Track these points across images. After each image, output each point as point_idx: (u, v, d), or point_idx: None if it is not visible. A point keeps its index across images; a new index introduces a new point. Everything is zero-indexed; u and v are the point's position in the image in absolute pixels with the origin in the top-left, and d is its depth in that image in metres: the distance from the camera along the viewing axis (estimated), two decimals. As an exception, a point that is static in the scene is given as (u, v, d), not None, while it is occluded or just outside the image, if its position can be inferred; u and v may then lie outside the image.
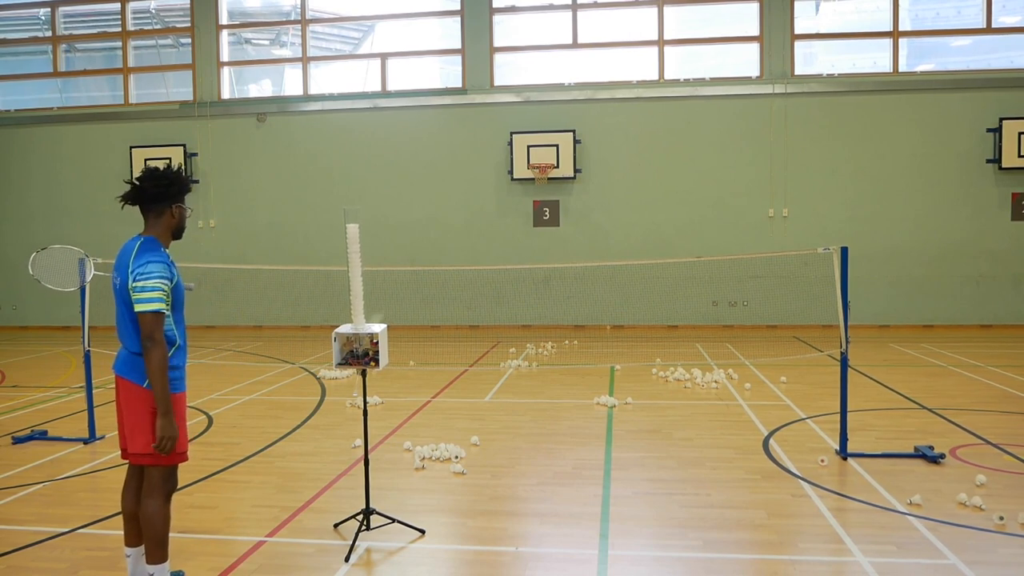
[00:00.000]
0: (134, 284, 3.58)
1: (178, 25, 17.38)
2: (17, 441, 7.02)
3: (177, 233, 3.92)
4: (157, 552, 3.73)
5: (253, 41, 17.89)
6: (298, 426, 7.54)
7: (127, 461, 3.84)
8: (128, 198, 3.82)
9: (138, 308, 3.56)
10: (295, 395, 9.11)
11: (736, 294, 15.16)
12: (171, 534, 3.86)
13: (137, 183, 3.78)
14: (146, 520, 3.72)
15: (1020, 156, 14.28)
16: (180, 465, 3.86)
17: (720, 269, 14.81)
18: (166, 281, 3.62)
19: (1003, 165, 14.38)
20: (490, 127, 15.75)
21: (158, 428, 3.59)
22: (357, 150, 16.23)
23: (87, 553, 4.49)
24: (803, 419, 7.52)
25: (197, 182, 16.61)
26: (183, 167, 3.95)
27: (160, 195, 3.77)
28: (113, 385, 3.86)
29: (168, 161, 3.99)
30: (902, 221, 14.84)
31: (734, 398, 8.56)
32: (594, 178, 15.56)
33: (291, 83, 17.31)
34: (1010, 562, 4.22)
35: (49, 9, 17.45)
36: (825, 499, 5.22)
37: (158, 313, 3.56)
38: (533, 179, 15.36)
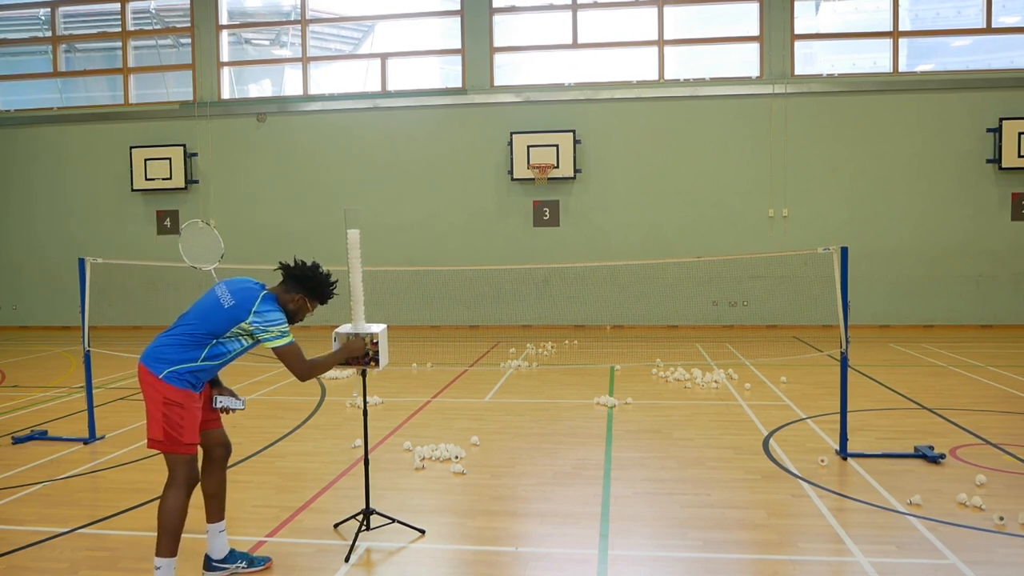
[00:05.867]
0: (263, 327, 3.91)
1: (178, 25, 17.39)
2: (17, 441, 7.01)
3: (289, 315, 4.13)
4: (168, 545, 3.82)
5: (253, 41, 17.89)
6: (298, 426, 7.54)
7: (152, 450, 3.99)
8: (283, 264, 4.20)
9: (276, 345, 3.94)
10: (295, 395, 9.11)
11: (736, 294, 15.16)
12: (171, 534, 3.87)
13: (294, 263, 4.17)
14: (162, 512, 3.83)
15: (1020, 156, 14.28)
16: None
17: (720, 269, 14.81)
18: (286, 323, 4.01)
19: (1003, 165, 14.38)
20: (490, 127, 15.75)
21: (343, 355, 4.29)
22: (357, 150, 16.24)
23: (87, 553, 4.49)
24: (803, 419, 7.52)
25: (197, 182, 16.64)
26: (336, 282, 4.27)
27: (299, 282, 4.13)
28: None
29: (308, 262, 4.30)
30: (902, 221, 14.85)
31: (734, 398, 8.56)
32: (594, 178, 15.56)
33: (291, 83, 17.31)
34: (1010, 562, 4.22)
35: (49, 9, 17.45)
36: (825, 499, 5.22)
37: (293, 345, 3.97)
38: (533, 179, 15.36)
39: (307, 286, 4.13)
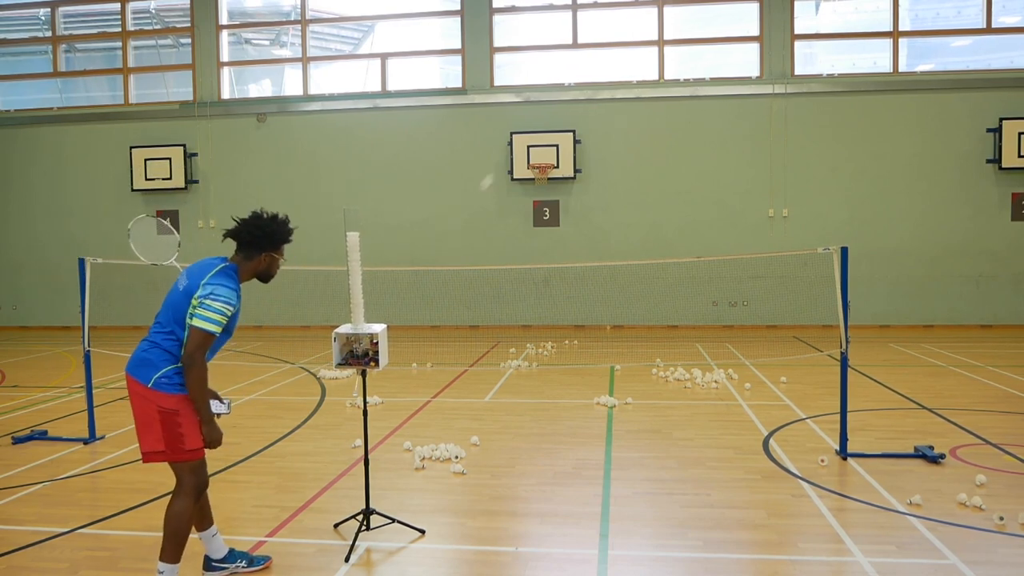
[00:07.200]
0: (202, 300, 3.68)
1: (178, 25, 17.39)
2: (17, 441, 7.01)
3: (263, 277, 4.03)
4: (173, 551, 3.79)
5: (253, 41, 17.89)
6: (298, 426, 7.54)
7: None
8: (228, 234, 3.95)
9: (195, 323, 3.67)
10: (295, 395, 9.11)
11: (736, 294, 15.16)
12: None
13: (238, 224, 3.92)
14: (168, 518, 3.79)
15: (1020, 156, 14.28)
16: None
17: (720, 269, 14.81)
18: (230, 308, 3.74)
19: (1003, 165, 14.38)
20: (490, 127, 15.75)
21: (204, 434, 3.79)
22: (357, 150, 16.24)
23: (87, 553, 4.49)
24: (803, 419, 7.52)
25: (197, 182, 16.64)
26: (288, 218, 4.03)
27: (254, 243, 3.91)
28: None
29: (248, 217, 4.05)
30: (902, 221, 14.85)
31: (734, 398, 8.56)
32: (594, 178, 15.56)
33: (291, 83, 17.31)
34: (1010, 562, 4.22)
35: (49, 9, 17.45)
36: (825, 499, 5.22)
37: (209, 335, 3.68)
38: (533, 179, 15.36)
39: (264, 244, 3.91)
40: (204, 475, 3.91)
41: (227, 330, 3.83)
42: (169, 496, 3.94)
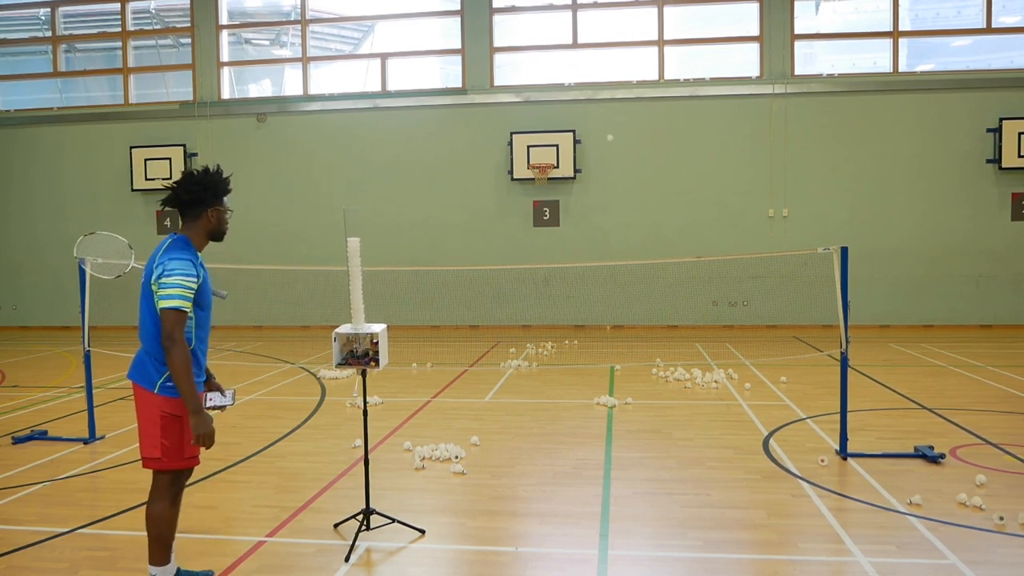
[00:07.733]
0: (158, 281, 3.53)
1: (178, 25, 17.39)
2: (17, 441, 7.02)
3: (216, 236, 3.86)
4: (160, 554, 3.76)
5: (253, 41, 17.89)
6: (298, 426, 7.54)
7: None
8: (167, 202, 3.79)
9: (160, 305, 3.51)
10: (295, 395, 9.11)
11: (736, 294, 15.16)
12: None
13: (173, 188, 3.76)
14: (151, 522, 3.74)
15: (1020, 156, 14.28)
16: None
17: (720, 269, 14.81)
18: (191, 279, 3.56)
19: (1003, 165, 14.38)
20: (490, 127, 15.75)
21: (192, 427, 3.57)
22: (357, 150, 16.23)
23: (87, 553, 4.49)
24: (803, 419, 7.52)
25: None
26: (221, 168, 3.89)
27: (196, 200, 3.75)
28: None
29: (202, 167, 3.89)
30: (902, 221, 14.85)
31: (734, 398, 8.56)
32: (594, 178, 15.56)
33: (291, 83, 17.31)
34: (1010, 562, 4.22)
35: (49, 9, 17.45)
36: (825, 499, 5.22)
37: (179, 311, 3.51)
38: (533, 179, 15.36)
39: (207, 198, 3.74)
40: (182, 481, 3.86)
41: (201, 304, 3.68)
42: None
